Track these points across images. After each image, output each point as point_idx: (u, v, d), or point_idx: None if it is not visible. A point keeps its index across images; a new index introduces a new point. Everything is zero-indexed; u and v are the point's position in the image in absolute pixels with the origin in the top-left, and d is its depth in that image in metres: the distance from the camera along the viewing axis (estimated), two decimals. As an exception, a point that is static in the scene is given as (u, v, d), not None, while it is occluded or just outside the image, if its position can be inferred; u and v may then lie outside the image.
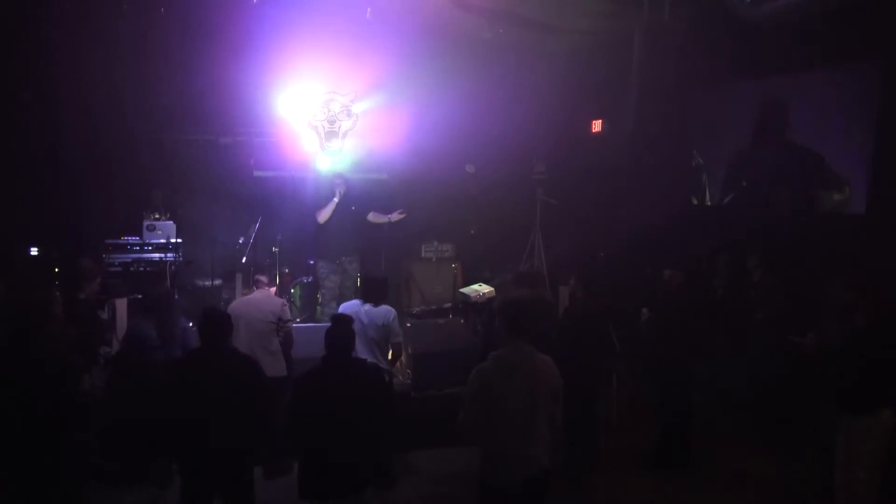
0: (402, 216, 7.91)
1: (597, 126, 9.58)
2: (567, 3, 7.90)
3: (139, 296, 6.25)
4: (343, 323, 3.76)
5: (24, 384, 3.30)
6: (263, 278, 5.74)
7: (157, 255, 7.32)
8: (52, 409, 3.35)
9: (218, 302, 7.36)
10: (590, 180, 9.07)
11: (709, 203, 8.63)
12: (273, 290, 5.89)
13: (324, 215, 7.50)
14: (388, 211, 7.97)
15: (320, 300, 7.75)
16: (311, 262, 7.91)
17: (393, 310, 5.29)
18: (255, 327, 5.20)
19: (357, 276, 7.73)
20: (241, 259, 7.66)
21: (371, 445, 3.58)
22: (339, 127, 8.68)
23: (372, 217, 7.92)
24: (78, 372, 3.52)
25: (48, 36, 7.20)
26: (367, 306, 5.17)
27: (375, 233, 8.11)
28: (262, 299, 5.41)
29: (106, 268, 7.04)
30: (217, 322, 3.74)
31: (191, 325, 6.64)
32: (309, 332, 5.76)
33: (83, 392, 3.51)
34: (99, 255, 7.07)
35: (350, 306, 5.23)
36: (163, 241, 7.30)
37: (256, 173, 8.64)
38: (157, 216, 7.59)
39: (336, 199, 7.46)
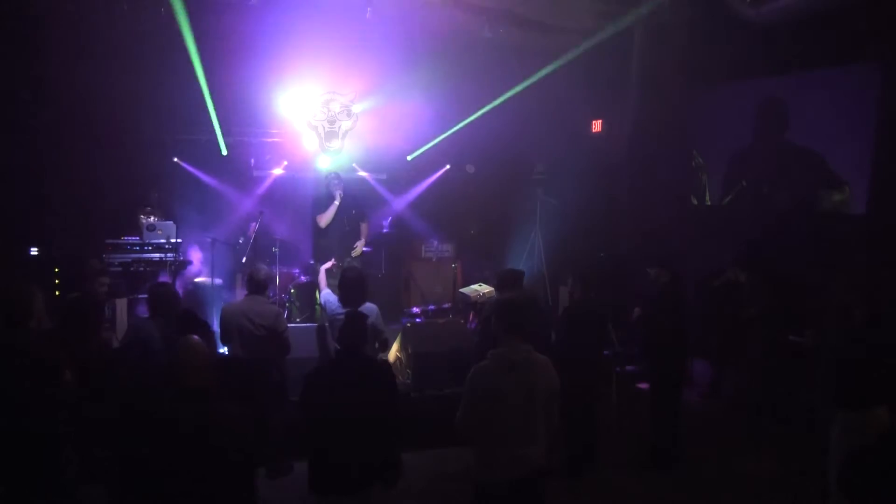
0: (360, 251, 7.59)
1: (597, 126, 9.59)
2: (567, 3, 7.91)
3: (141, 295, 6.25)
4: (356, 320, 3.77)
5: (6, 379, 3.30)
6: (259, 276, 5.23)
7: (157, 255, 7.31)
8: (37, 404, 3.35)
9: (218, 302, 7.37)
10: (590, 180, 9.08)
11: (709, 203, 8.64)
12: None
13: (326, 219, 7.30)
14: (382, 217, 7.88)
15: (319, 301, 7.73)
16: (311, 262, 7.89)
17: (375, 307, 5.04)
18: (248, 338, 4.94)
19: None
20: (241, 259, 7.67)
21: (380, 441, 3.61)
22: (339, 127, 8.68)
23: (363, 228, 7.70)
24: (60, 366, 3.50)
25: (49, 36, 7.21)
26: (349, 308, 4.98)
27: (377, 234, 8.12)
28: (255, 310, 5.01)
29: (106, 268, 7.05)
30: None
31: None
32: (308, 332, 5.73)
33: (66, 385, 3.49)
34: (99, 255, 7.08)
35: (331, 296, 5.18)
36: (163, 241, 7.30)
37: (256, 173, 8.64)
38: (153, 216, 7.58)
39: (337, 202, 7.35)
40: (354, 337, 3.69)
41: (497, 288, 5.62)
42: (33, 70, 7.38)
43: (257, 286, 5.10)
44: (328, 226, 7.37)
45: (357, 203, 7.60)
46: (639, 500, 5.11)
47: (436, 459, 5.47)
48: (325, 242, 7.47)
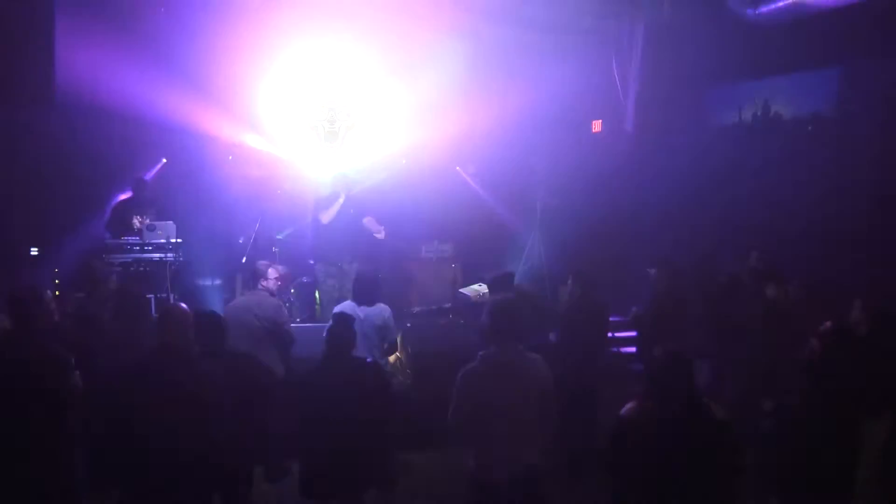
0: (380, 235, 7.61)
1: (597, 126, 9.58)
2: (567, 3, 7.91)
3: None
4: (344, 322, 3.75)
5: (12, 382, 3.30)
6: (270, 271, 5.28)
7: (157, 255, 7.30)
8: (42, 405, 3.35)
9: (218, 302, 7.35)
10: (590, 180, 9.07)
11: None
12: (271, 282, 5.39)
13: (328, 215, 7.34)
14: (383, 216, 7.83)
15: (319, 301, 7.72)
16: (311, 262, 7.86)
17: (387, 307, 5.19)
18: (250, 331, 4.97)
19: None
20: (241, 259, 7.65)
21: (372, 445, 3.58)
22: (339, 127, 8.67)
23: (367, 222, 7.66)
24: (67, 368, 3.50)
25: (48, 35, 7.21)
26: (363, 307, 5.08)
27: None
28: (256, 302, 5.11)
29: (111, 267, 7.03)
30: (210, 325, 3.74)
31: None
32: (308, 332, 5.72)
33: (73, 388, 3.49)
34: (99, 255, 7.08)
35: (345, 308, 5.15)
36: (163, 241, 7.29)
37: (256, 173, 8.64)
38: (146, 217, 7.54)
39: (342, 200, 7.34)
40: (342, 339, 3.67)
41: (490, 291, 5.66)
42: (34, 69, 7.38)
43: (253, 278, 5.24)
44: (329, 224, 7.36)
45: (354, 204, 7.57)
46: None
47: (435, 459, 5.46)
48: (324, 241, 7.45)
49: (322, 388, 3.57)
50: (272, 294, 5.30)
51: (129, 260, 7.24)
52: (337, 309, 5.12)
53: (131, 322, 4.52)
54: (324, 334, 4.93)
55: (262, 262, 5.39)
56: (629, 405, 3.16)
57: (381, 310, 5.08)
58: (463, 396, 3.41)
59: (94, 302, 5.21)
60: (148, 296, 6.99)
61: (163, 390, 3.17)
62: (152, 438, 3.11)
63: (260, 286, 5.23)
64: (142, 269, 7.24)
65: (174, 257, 7.31)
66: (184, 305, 3.42)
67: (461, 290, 8.04)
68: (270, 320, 5.04)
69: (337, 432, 3.48)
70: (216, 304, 7.22)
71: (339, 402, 3.50)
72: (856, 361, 3.46)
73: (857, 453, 3.41)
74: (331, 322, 3.79)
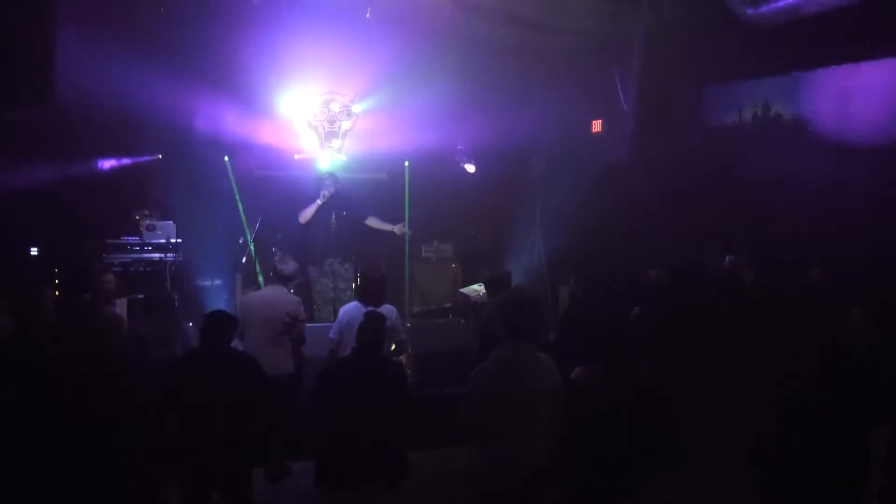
0: (404, 230, 7.68)
1: (597, 126, 9.58)
2: (567, 3, 7.91)
3: (140, 296, 6.27)
4: (376, 321, 3.88)
5: (15, 381, 3.33)
6: (286, 270, 5.37)
7: (157, 255, 7.31)
8: (44, 406, 3.37)
9: (218, 302, 7.36)
10: (590, 180, 9.07)
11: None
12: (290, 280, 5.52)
13: (305, 216, 7.20)
14: (387, 217, 7.80)
15: (315, 301, 7.71)
16: (305, 262, 7.84)
17: (394, 309, 5.25)
18: (270, 325, 5.07)
19: (351, 278, 7.60)
20: (241, 259, 7.65)
21: (388, 439, 3.66)
22: (339, 127, 8.68)
23: (373, 223, 7.69)
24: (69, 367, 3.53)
25: (48, 35, 7.20)
26: (369, 308, 5.11)
27: (374, 234, 8.09)
28: (278, 297, 5.19)
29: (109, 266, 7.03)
30: (221, 324, 3.77)
31: (191, 325, 6.66)
32: (307, 333, 5.74)
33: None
34: (99, 255, 7.07)
35: (351, 308, 5.19)
36: (163, 241, 7.30)
37: (256, 173, 8.63)
38: (150, 217, 7.52)
39: (319, 201, 7.18)
40: (372, 336, 3.76)
41: (488, 292, 5.68)
42: (34, 69, 7.37)
43: (284, 279, 5.29)
44: (311, 224, 7.28)
45: (350, 204, 7.53)
46: (641, 500, 5.10)
47: (436, 459, 5.46)
48: (309, 241, 7.40)
49: (349, 380, 3.66)
50: (289, 290, 5.38)
51: (129, 260, 7.24)
52: (343, 310, 5.19)
53: (162, 323, 4.60)
54: (330, 335, 5.04)
55: (286, 262, 5.39)
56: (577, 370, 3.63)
57: (388, 311, 5.08)
58: (476, 396, 3.43)
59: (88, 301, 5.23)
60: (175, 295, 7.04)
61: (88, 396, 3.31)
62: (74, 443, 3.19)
63: (281, 283, 5.30)
64: (142, 269, 7.24)
65: (174, 257, 7.31)
66: (117, 311, 3.52)
67: (461, 290, 8.05)
68: (292, 316, 5.12)
69: (358, 426, 3.56)
70: (216, 304, 7.24)
71: (364, 397, 3.59)
72: (857, 375, 3.45)
73: (863, 467, 3.41)
74: (361, 321, 3.88)
